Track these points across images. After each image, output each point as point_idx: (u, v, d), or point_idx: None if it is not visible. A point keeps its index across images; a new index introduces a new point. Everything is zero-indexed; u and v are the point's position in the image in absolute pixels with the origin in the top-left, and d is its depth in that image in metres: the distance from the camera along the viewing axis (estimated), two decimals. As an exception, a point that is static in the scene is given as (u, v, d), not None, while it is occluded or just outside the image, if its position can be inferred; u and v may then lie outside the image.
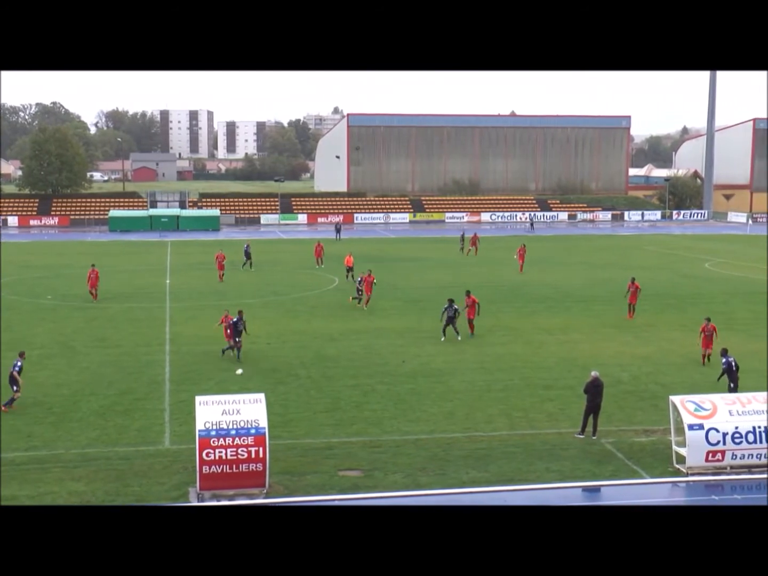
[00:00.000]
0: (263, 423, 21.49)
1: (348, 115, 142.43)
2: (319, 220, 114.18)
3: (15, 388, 28.05)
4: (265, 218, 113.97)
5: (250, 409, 21.69)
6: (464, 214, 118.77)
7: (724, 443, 22.79)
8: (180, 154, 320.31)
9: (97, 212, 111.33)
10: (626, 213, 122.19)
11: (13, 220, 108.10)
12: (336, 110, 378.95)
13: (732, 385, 28.27)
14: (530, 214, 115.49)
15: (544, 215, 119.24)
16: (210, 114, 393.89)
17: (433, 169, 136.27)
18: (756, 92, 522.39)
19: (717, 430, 22.77)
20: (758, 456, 22.92)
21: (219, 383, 31.15)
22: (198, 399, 22.27)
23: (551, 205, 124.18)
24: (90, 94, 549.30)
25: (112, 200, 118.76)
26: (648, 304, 48.08)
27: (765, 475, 22.73)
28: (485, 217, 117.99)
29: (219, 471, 21.07)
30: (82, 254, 74.96)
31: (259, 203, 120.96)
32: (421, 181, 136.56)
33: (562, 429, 26.55)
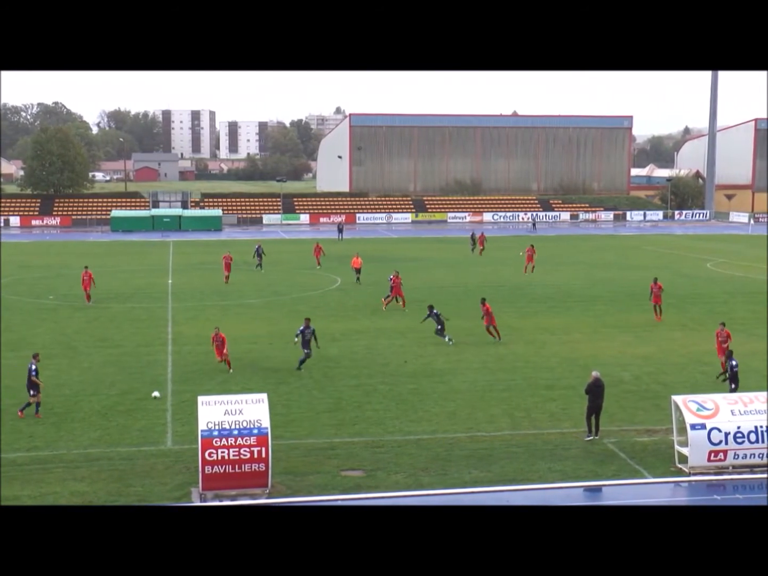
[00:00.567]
0: (266, 423, 21.50)
1: (350, 115, 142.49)
2: (321, 220, 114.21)
3: (32, 392, 27.40)
4: (267, 218, 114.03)
5: (253, 409, 21.69)
6: (466, 214, 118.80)
7: (726, 443, 22.78)
8: (182, 154, 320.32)
9: (99, 212, 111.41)
10: (628, 213, 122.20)
11: (14, 221, 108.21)
12: (338, 110, 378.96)
13: (733, 386, 28.23)
14: (532, 214, 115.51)
15: (546, 215, 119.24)
16: (212, 114, 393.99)
17: (435, 169, 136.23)
18: (758, 92, 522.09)
19: (719, 430, 22.76)
20: (760, 456, 22.91)
21: (221, 383, 31.16)
22: (200, 399, 22.27)
23: (553, 205, 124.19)
24: (92, 94, 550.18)
25: (114, 200, 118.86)
26: (649, 304, 48.04)
27: (767, 475, 22.73)
28: (487, 217, 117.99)
29: (221, 471, 21.08)
30: (84, 254, 74.97)
31: (261, 203, 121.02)
32: (423, 181, 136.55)
33: (565, 429, 26.54)
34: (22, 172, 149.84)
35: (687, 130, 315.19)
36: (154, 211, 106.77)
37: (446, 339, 37.59)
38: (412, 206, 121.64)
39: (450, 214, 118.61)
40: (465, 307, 46.44)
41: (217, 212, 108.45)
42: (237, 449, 21.10)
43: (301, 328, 33.31)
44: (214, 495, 21.23)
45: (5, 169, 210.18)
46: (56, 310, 46.41)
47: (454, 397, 29.85)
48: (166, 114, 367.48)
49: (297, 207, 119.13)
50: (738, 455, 22.88)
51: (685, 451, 23.09)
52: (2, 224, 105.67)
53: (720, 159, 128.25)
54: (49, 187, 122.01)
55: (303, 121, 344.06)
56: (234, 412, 21.55)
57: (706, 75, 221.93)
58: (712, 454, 22.81)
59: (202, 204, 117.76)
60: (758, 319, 43.52)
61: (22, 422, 26.82)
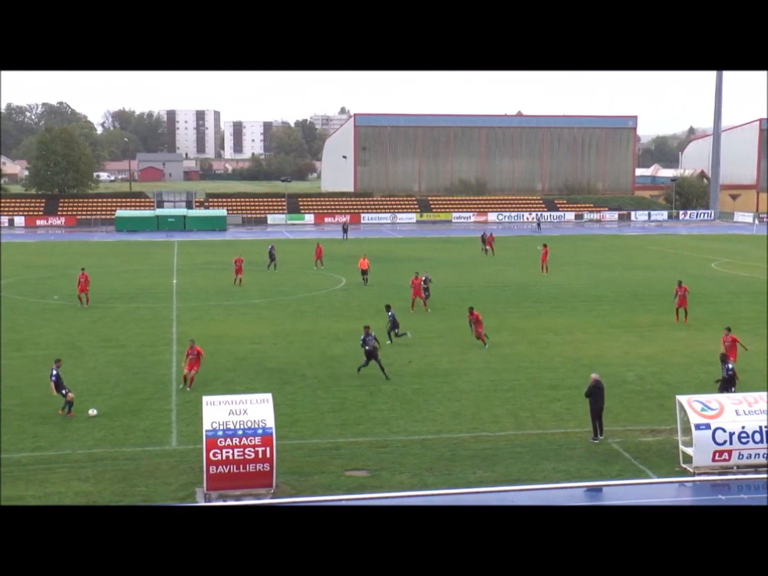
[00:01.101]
0: (270, 423, 21.50)
1: (354, 115, 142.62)
2: (326, 220, 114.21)
3: (64, 391, 27.54)
4: (271, 218, 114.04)
5: (257, 409, 21.70)
6: (471, 214, 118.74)
7: (731, 443, 22.76)
8: (187, 154, 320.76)
9: (103, 212, 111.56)
10: (633, 213, 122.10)
11: (19, 220, 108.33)
12: (343, 110, 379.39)
13: (732, 389, 27.80)
14: (537, 214, 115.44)
15: (550, 215, 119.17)
16: (217, 114, 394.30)
17: (440, 169, 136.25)
18: (762, 92, 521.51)
19: (724, 430, 22.74)
20: (765, 456, 22.88)
21: (225, 383, 31.18)
22: (205, 399, 22.29)
23: (558, 205, 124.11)
24: (96, 94, 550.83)
25: (119, 200, 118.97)
26: (653, 304, 48.07)
27: (772, 476, 22.72)
28: (492, 217, 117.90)
29: (226, 471, 21.09)
30: (89, 255, 75.09)
31: (265, 203, 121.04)
32: (428, 181, 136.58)
33: (569, 429, 26.52)
34: (26, 172, 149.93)
35: (692, 130, 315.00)
36: (159, 211, 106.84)
37: (406, 334, 37.74)
38: (416, 206, 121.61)
39: (455, 214, 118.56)
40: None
41: (222, 212, 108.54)
42: (241, 449, 21.11)
43: (362, 336, 32.28)
44: (218, 495, 21.24)
45: (10, 169, 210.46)
46: (61, 310, 46.46)
47: (458, 397, 29.84)
48: (171, 114, 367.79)
49: (302, 207, 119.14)
50: (742, 455, 22.86)
51: (689, 451, 23.07)
52: (7, 224, 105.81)
53: (725, 159, 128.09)
54: (54, 187, 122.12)
55: (308, 121, 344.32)
56: (238, 412, 21.56)
57: (710, 75, 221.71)
58: (717, 454, 22.79)
59: (206, 204, 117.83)
60: (763, 319, 43.46)
61: (26, 422, 26.85)
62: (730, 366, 28.13)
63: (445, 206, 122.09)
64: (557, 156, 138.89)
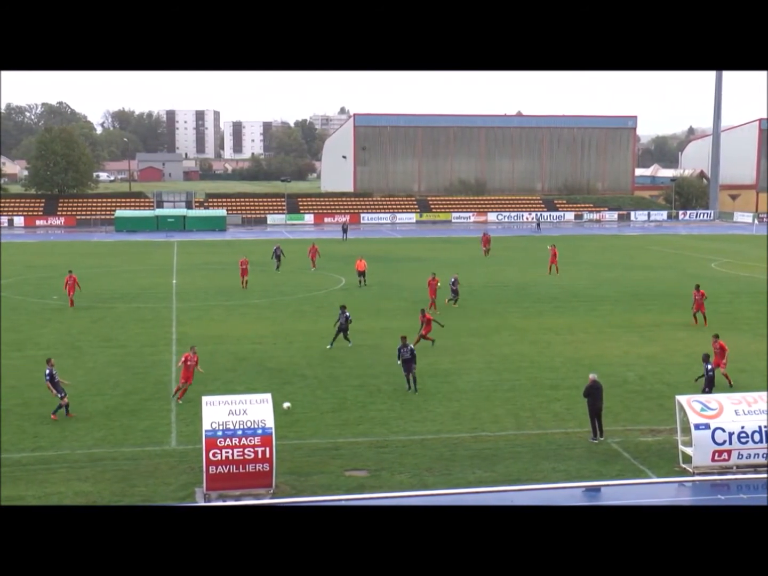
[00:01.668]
0: (270, 423, 21.51)
1: (354, 115, 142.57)
2: (326, 220, 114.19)
3: (61, 395, 27.29)
4: (271, 218, 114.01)
5: (257, 410, 21.71)
6: (471, 214, 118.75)
7: (731, 443, 22.77)
8: (186, 154, 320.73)
9: (103, 212, 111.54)
10: (632, 213, 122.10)
11: (19, 221, 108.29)
12: (342, 110, 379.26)
13: (707, 390, 27.52)
14: (537, 214, 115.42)
15: (550, 215, 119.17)
16: (216, 114, 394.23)
17: (440, 169, 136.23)
18: (762, 92, 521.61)
19: (723, 430, 22.75)
20: (764, 455, 22.89)
21: (225, 383, 31.18)
22: (204, 399, 22.29)
23: (557, 205, 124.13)
24: (96, 94, 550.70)
25: (119, 200, 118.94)
26: (654, 304, 48.10)
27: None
28: (492, 217, 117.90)
29: (226, 471, 21.09)
30: (88, 255, 75.13)
31: (265, 203, 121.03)
32: (428, 181, 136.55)
33: (569, 429, 26.53)
34: (26, 172, 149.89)
35: (691, 130, 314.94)
36: (159, 211, 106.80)
37: (331, 344, 36.83)
38: (416, 206, 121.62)
39: (454, 214, 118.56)
40: (469, 307, 46.40)
41: (222, 212, 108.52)
42: (241, 449, 21.11)
43: (398, 346, 30.91)
44: (218, 495, 21.24)
45: (9, 170, 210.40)
46: (61, 310, 46.45)
47: (458, 397, 29.84)
48: (171, 114, 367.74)
49: (301, 207, 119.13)
50: (742, 455, 22.87)
51: (689, 450, 23.08)
52: (6, 224, 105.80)
53: (724, 159, 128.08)
54: (54, 187, 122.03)
55: (307, 121, 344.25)
56: (238, 412, 21.57)
57: (710, 75, 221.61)
58: (716, 454, 22.80)
59: (206, 204, 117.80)
60: (763, 319, 43.49)
61: (26, 422, 26.86)
62: (710, 367, 28.01)
63: (445, 206, 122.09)
64: (557, 156, 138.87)
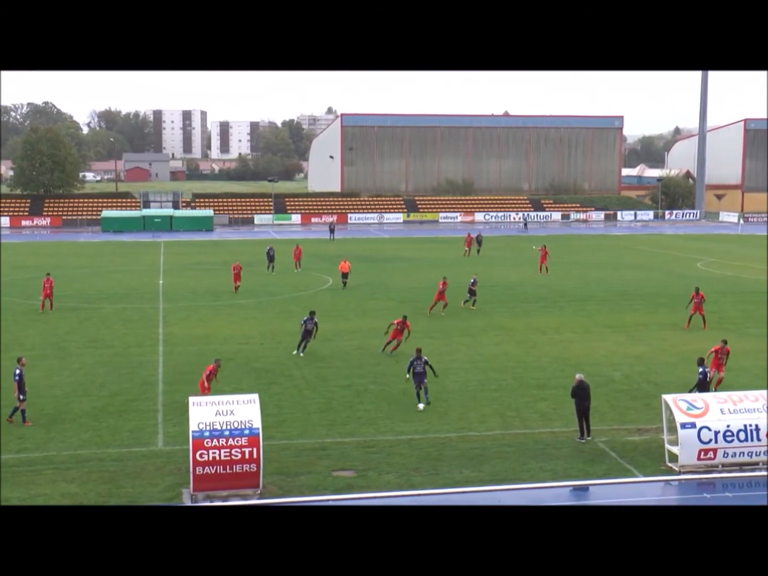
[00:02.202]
0: (257, 423, 21.47)
1: (341, 115, 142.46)
2: (313, 220, 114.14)
3: (21, 397, 26.65)
4: (258, 218, 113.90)
5: (244, 410, 21.67)
6: (458, 214, 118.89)
7: (716, 441, 22.87)
8: (173, 154, 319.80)
9: (89, 212, 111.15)
10: (619, 213, 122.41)
11: (4, 221, 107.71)
12: (329, 110, 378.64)
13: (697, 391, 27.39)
14: (524, 214, 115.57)
15: (537, 215, 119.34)
16: (203, 114, 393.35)
17: (427, 169, 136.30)
18: (748, 92, 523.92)
19: (709, 429, 22.85)
20: (749, 454, 23.01)
21: (212, 384, 31.06)
22: (191, 399, 22.24)
23: (544, 205, 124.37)
24: (82, 94, 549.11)
25: (105, 200, 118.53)
26: (640, 304, 48.24)
27: (756, 473, 22.83)
28: (479, 217, 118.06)
29: (213, 472, 21.05)
30: (75, 255, 74.92)
31: (252, 203, 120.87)
32: (415, 181, 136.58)
33: (556, 428, 26.58)
34: (11, 172, 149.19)
35: (677, 131, 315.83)
36: (145, 212, 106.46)
37: (299, 350, 35.94)
38: (403, 206, 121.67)
39: (441, 214, 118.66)
40: (457, 307, 46.43)
41: (209, 212, 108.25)
42: (228, 450, 21.07)
43: (412, 359, 29.19)
44: (205, 496, 21.20)
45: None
46: (47, 311, 46.25)
47: (445, 397, 29.85)
48: (157, 114, 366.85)
49: (288, 207, 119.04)
50: (727, 453, 22.97)
51: (675, 449, 23.16)
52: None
53: (710, 159, 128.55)
54: (39, 188, 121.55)
55: (294, 121, 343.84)
56: (225, 412, 21.52)
57: (696, 75, 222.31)
58: (702, 453, 22.89)
59: (193, 204, 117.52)
60: (749, 318, 43.69)
61: (11, 424, 26.71)
62: (703, 370, 28.00)
63: (432, 206, 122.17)
64: (544, 156, 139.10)
